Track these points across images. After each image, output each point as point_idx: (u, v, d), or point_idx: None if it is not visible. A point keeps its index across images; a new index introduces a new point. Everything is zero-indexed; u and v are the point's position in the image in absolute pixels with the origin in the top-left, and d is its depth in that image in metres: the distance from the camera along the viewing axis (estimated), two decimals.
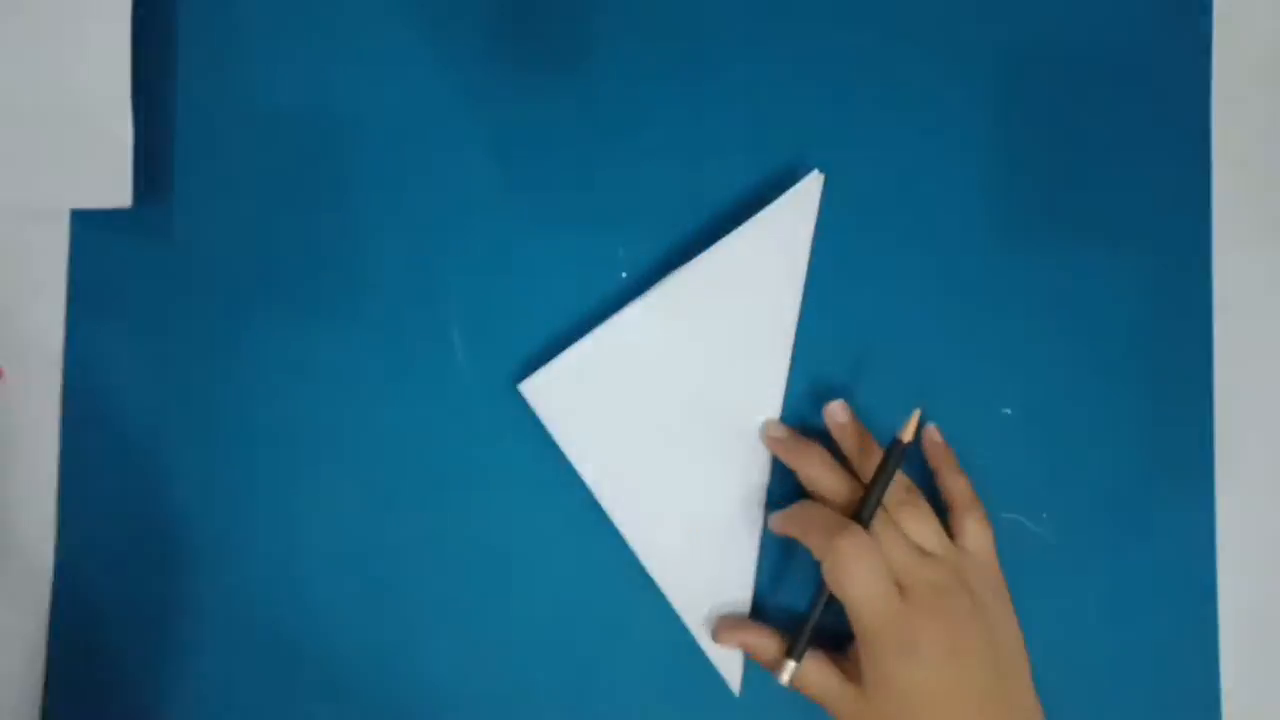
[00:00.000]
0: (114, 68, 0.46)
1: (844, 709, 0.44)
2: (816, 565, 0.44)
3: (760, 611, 0.48)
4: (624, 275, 0.49)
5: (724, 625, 0.47)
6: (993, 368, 0.49)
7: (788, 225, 0.48)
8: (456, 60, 0.49)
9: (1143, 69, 0.51)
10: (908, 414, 0.45)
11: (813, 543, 0.44)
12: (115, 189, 0.46)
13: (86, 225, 0.48)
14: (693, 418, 0.48)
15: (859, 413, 0.48)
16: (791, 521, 0.46)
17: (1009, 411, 0.49)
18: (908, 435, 0.45)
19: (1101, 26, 0.51)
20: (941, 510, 0.46)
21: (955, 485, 0.47)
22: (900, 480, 0.46)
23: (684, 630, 0.47)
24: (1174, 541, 0.49)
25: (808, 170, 0.48)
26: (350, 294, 0.48)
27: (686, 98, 0.50)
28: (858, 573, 0.42)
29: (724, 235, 0.47)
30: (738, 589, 0.48)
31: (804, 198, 0.48)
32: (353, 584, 0.46)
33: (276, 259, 0.49)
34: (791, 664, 0.44)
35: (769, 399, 0.48)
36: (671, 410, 0.48)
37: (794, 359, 0.48)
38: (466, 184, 0.49)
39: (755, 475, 0.48)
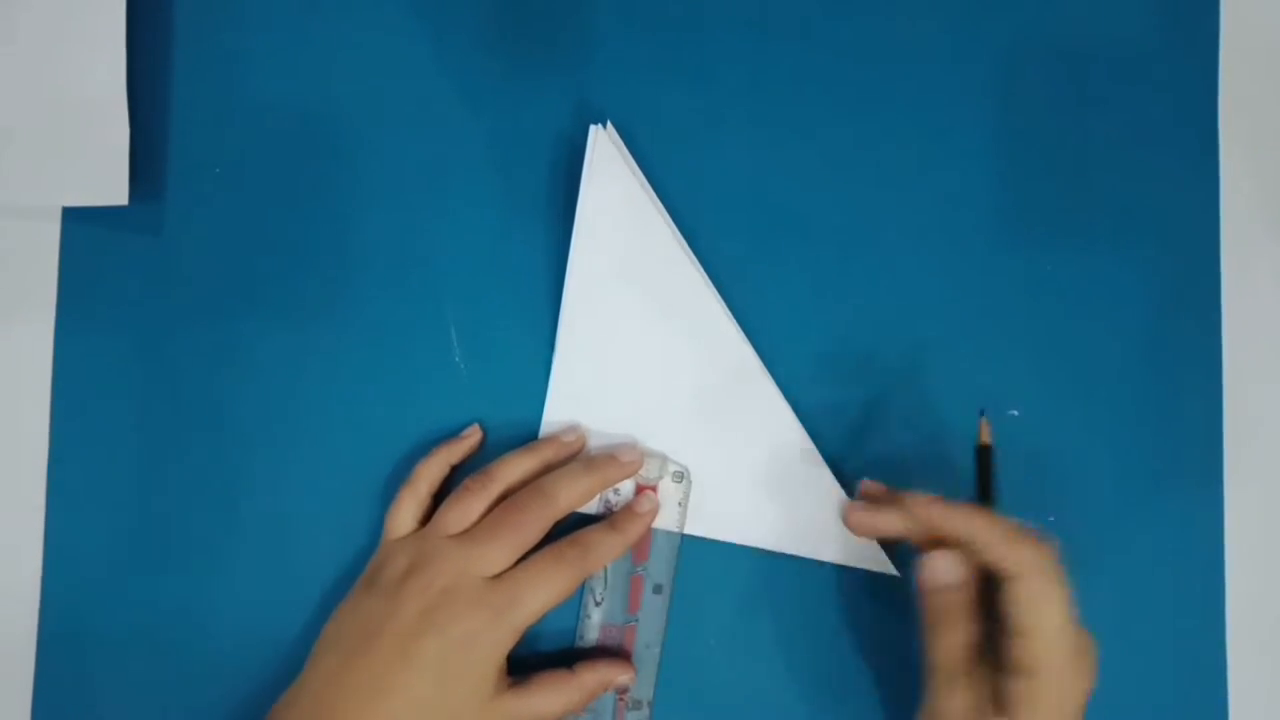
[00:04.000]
0: (109, 66, 0.46)
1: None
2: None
3: None
4: None
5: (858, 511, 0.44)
6: (999, 369, 0.49)
7: (613, 184, 0.47)
8: (453, 58, 0.49)
9: (1150, 65, 0.50)
10: (928, 421, 0.45)
11: (1003, 552, 0.39)
12: (111, 187, 0.46)
13: (78, 222, 0.48)
14: (680, 387, 0.47)
15: (863, 413, 0.48)
16: (960, 517, 0.41)
17: (1016, 413, 0.48)
18: (986, 437, 0.44)
19: (1109, 22, 0.50)
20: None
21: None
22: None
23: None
24: (1182, 542, 0.48)
25: (811, 169, 0.48)
26: (346, 293, 0.48)
27: (686, 95, 0.49)
28: (1064, 597, 0.39)
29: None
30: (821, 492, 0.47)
31: (603, 154, 0.47)
32: (347, 585, 0.45)
33: (271, 257, 0.48)
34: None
35: (724, 329, 0.47)
36: (658, 389, 0.48)
37: (799, 362, 0.48)
38: (463, 182, 0.49)
39: (765, 395, 0.48)
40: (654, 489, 0.47)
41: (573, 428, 0.47)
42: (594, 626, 0.47)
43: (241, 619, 0.47)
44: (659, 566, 0.47)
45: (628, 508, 0.46)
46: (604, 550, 0.44)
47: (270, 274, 0.48)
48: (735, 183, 0.49)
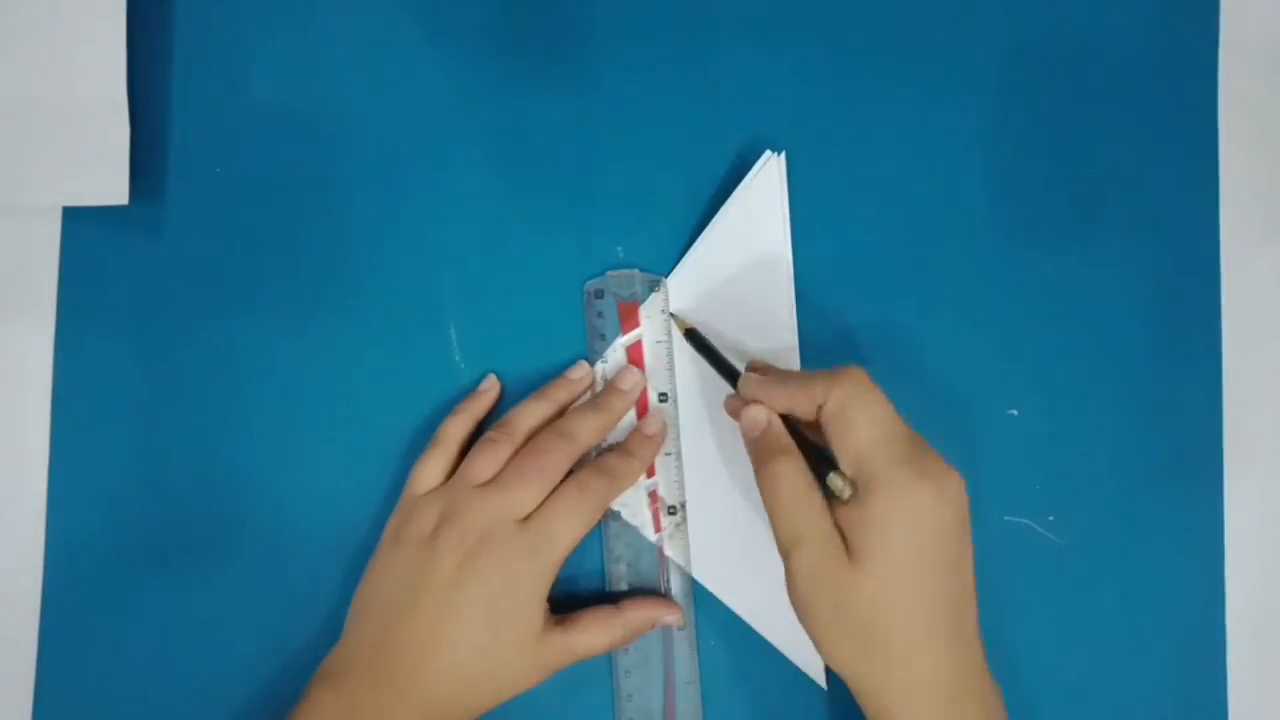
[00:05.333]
0: (109, 65, 0.46)
1: (816, 556, 0.38)
2: None
3: None
4: None
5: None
6: (999, 368, 0.49)
7: (759, 212, 0.48)
8: (452, 58, 0.49)
9: (1150, 65, 0.50)
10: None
11: (806, 395, 0.40)
12: (112, 187, 0.46)
13: (79, 222, 0.48)
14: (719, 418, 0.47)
15: None
16: (766, 388, 0.42)
17: (1015, 413, 0.48)
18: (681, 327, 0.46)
19: (1109, 21, 0.50)
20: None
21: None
22: None
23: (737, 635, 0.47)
24: (1182, 542, 0.48)
25: (810, 167, 0.48)
26: (346, 293, 0.48)
27: (686, 95, 0.49)
28: (880, 398, 0.39)
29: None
30: None
31: (766, 180, 0.47)
32: (349, 585, 0.45)
33: (271, 257, 0.48)
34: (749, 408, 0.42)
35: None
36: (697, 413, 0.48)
37: (800, 349, 0.48)
38: (463, 182, 0.49)
39: None
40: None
41: (580, 364, 0.48)
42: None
43: (242, 618, 0.47)
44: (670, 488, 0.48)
45: (636, 431, 0.47)
46: (624, 475, 0.45)
47: (270, 274, 0.48)
48: (736, 180, 0.48)
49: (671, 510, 0.47)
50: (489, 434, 0.45)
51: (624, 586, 0.47)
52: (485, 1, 0.49)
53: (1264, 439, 0.49)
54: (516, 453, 0.45)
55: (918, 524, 0.37)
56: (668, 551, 0.47)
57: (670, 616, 0.46)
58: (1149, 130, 0.50)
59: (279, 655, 0.46)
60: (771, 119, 0.49)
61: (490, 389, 0.47)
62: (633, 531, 0.47)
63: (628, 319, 0.48)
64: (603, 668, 0.47)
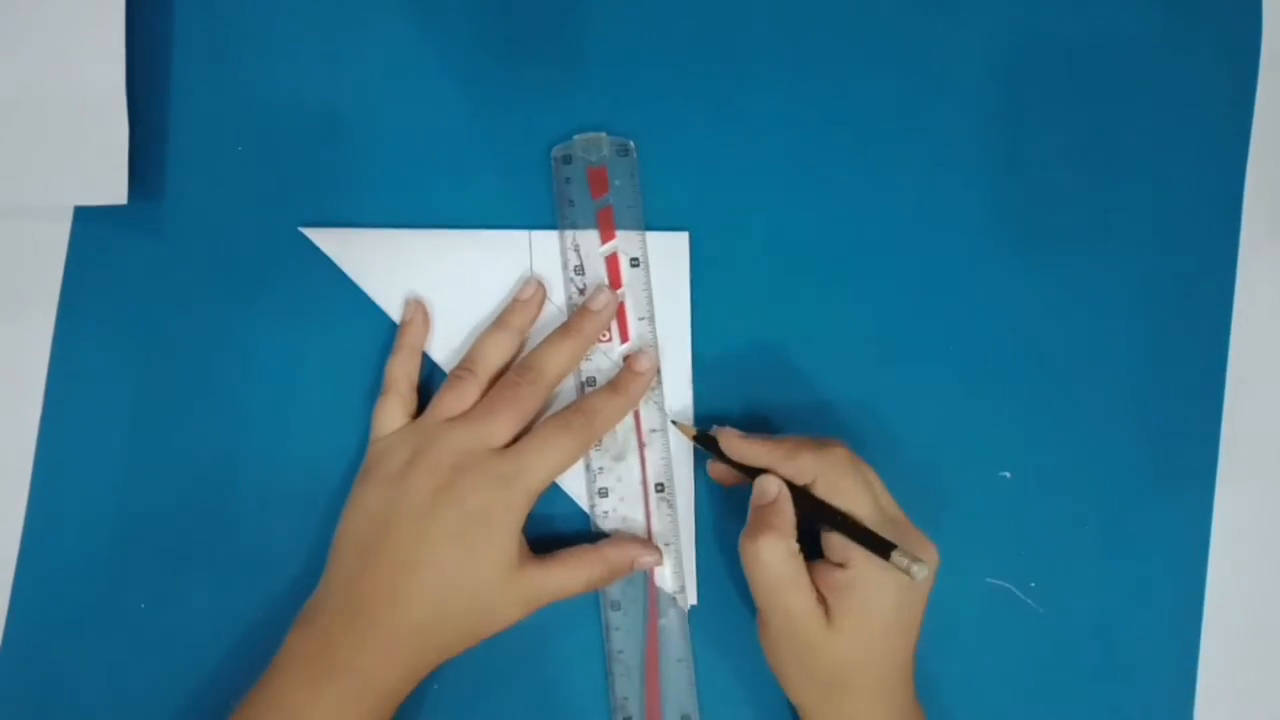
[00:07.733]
0: (108, 64, 0.46)
1: (793, 625, 0.41)
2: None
3: None
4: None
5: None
6: (993, 431, 0.48)
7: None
8: (454, 57, 0.49)
9: (1185, 69, 0.50)
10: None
11: (790, 467, 0.42)
12: (110, 186, 0.46)
13: (79, 221, 0.48)
14: None
15: (869, 415, 0.48)
16: (754, 450, 0.44)
17: (1008, 475, 0.48)
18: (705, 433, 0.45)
19: (1141, 20, 0.50)
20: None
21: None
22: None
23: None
24: (1160, 626, 0.48)
25: (819, 164, 0.49)
26: (346, 292, 0.48)
27: (689, 93, 0.49)
28: (867, 475, 0.42)
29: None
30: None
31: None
32: None
33: (271, 255, 0.48)
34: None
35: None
36: None
37: (810, 361, 0.48)
38: (465, 183, 0.49)
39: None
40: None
41: (529, 282, 0.47)
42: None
43: (240, 619, 0.46)
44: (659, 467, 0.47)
45: (627, 367, 0.46)
46: (608, 414, 0.45)
47: (269, 274, 0.48)
48: (732, 183, 0.49)
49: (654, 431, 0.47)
50: (455, 371, 0.45)
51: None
52: (486, 3, 0.49)
53: (1251, 536, 0.49)
54: (486, 391, 0.45)
55: (892, 597, 0.41)
56: (647, 467, 0.47)
57: (648, 556, 0.45)
58: (1175, 147, 0.50)
59: (271, 654, 0.46)
60: (769, 114, 0.49)
61: (414, 315, 0.47)
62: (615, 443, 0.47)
63: (596, 184, 0.47)
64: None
